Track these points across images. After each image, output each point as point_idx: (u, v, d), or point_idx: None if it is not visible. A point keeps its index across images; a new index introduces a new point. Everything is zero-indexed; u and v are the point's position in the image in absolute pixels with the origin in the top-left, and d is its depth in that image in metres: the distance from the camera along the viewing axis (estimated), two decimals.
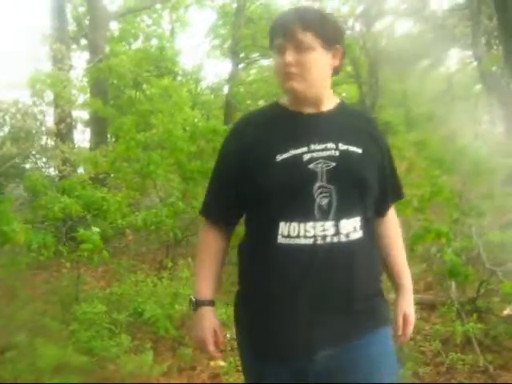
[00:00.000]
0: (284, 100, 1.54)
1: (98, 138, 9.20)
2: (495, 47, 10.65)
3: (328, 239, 1.38)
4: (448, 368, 3.19)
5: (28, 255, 4.27)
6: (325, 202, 1.39)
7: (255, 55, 14.67)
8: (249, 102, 13.67)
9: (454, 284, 3.91)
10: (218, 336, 1.56)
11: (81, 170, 7.04)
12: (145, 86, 12.30)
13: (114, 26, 13.62)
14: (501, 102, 9.47)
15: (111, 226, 4.92)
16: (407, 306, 1.61)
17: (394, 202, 1.66)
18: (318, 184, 1.39)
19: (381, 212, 1.61)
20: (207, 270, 1.58)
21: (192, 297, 1.58)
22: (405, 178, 4.14)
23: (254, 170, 1.43)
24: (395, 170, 1.64)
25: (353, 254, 1.41)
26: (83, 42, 13.06)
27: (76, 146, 8.22)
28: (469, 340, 3.37)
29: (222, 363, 3.32)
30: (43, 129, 6.56)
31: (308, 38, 1.40)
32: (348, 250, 1.40)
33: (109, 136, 10.34)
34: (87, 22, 11.49)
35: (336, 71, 1.52)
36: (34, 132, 6.40)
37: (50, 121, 6.85)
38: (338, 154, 1.42)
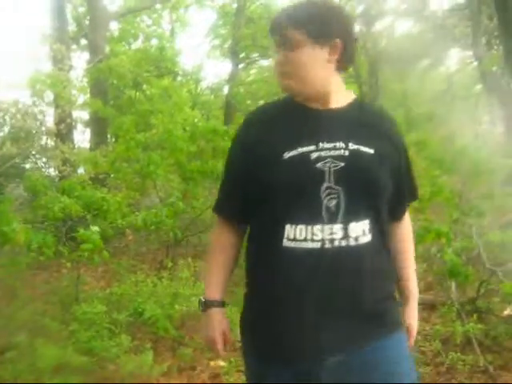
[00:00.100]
0: None
1: (98, 138, 9.20)
2: (495, 47, 10.65)
3: (336, 243, 1.33)
4: (448, 368, 3.19)
5: (28, 255, 4.27)
6: (333, 203, 1.34)
7: (255, 55, 14.68)
8: (249, 102, 13.67)
9: (454, 284, 3.91)
10: (228, 336, 1.55)
11: (81, 171, 7.04)
12: (145, 86, 12.30)
13: (114, 26, 13.64)
14: (501, 102, 9.47)
15: (111, 226, 4.92)
16: (412, 317, 1.58)
17: (409, 202, 1.60)
18: (325, 185, 1.34)
19: (396, 216, 1.55)
20: (218, 268, 1.55)
21: (202, 297, 1.56)
22: None
23: (261, 168, 1.40)
24: (411, 171, 1.57)
25: (361, 257, 1.36)
26: (83, 42, 13.07)
27: (76, 147, 8.21)
28: (469, 340, 3.37)
29: (222, 363, 3.32)
30: (43, 129, 6.55)
31: (296, 35, 1.37)
32: (356, 254, 1.36)
33: (109, 136, 10.34)
34: (87, 22, 11.50)
35: (341, 66, 1.44)
36: (34, 132, 6.40)
37: (50, 121, 6.85)
38: (347, 153, 1.36)
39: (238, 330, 1.55)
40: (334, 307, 1.36)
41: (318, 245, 1.33)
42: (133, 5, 13.76)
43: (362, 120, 1.45)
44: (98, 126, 9.65)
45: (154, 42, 14.72)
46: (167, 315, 3.70)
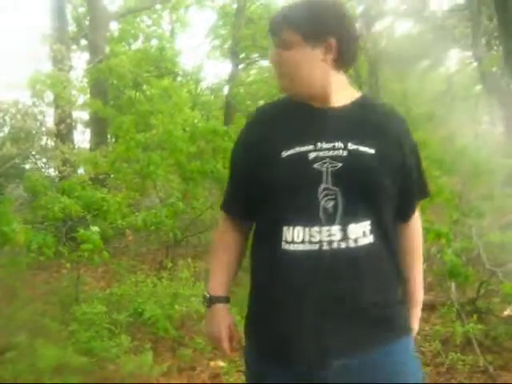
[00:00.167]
0: None
1: (98, 138, 9.20)
2: (495, 48, 10.66)
3: (334, 245, 1.31)
4: (448, 368, 3.19)
5: (28, 255, 4.27)
6: (330, 205, 1.32)
7: (255, 56, 14.68)
8: (249, 102, 13.67)
9: (454, 284, 3.92)
10: (233, 332, 1.54)
11: (81, 171, 7.04)
12: (145, 86, 12.30)
13: (114, 27, 13.63)
14: (501, 103, 9.48)
15: (111, 226, 4.92)
16: (414, 323, 1.56)
17: (420, 199, 1.56)
18: (323, 185, 1.32)
19: (403, 216, 1.51)
20: (222, 265, 1.54)
21: (206, 293, 1.55)
22: None
23: (261, 167, 1.39)
24: (421, 168, 1.53)
25: (361, 259, 1.33)
26: (83, 42, 13.07)
27: (76, 147, 8.21)
28: (469, 340, 3.37)
29: (221, 363, 3.33)
30: (43, 129, 6.55)
31: (289, 35, 1.36)
32: (356, 256, 1.33)
33: (109, 136, 10.34)
34: (87, 23, 11.50)
35: (341, 64, 1.41)
36: (34, 132, 6.40)
37: (50, 121, 6.84)
38: (345, 154, 1.34)
39: (239, 329, 1.55)
40: (334, 310, 1.33)
41: (315, 247, 1.32)
42: (133, 5, 13.76)
43: (365, 119, 1.41)
44: (98, 126, 9.64)
45: (154, 42, 14.73)
46: (167, 315, 3.70)
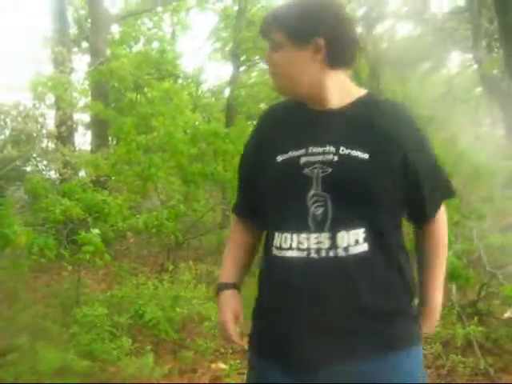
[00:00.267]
0: None
1: (99, 140, 9.21)
2: (496, 50, 10.66)
3: (323, 253, 1.26)
4: (449, 371, 3.19)
5: (29, 258, 4.28)
6: (319, 211, 1.27)
7: (256, 58, 14.66)
8: (250, 105, 13.67)
9: (454, 287, 3.91)
10: (240, 316, 1.48)
11: (82, 173, 7.05)
12: (146, 88, 12.29)
13: (115, 29, 13.64)
14: (501, 105, 9.46)
15: (112, 228, 4.93)
16: (424, 327, 1.48)
17: (443, 199, 1.48)
18: (312, 191, 1.28)
19: (417, 222, 1.47)
20: (232, 258, 1.54)
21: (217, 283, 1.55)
22: None
23: (257, 171, 1.39)
24: (437, 168, 1.44)
25: (353, 268, 1.27)
26: (84, 44, 13.08)
27: (77, 149, 8.23)
28: (469, 343, 3.37)
29: (223, 366, 3.33)
30: (44, 131, 6.55)
31: (278, 36, 1.35)
32: (345, 265, 1.26)
33: (110, 139, 10.35)
34: (88, 25, 11.52)
35: (334, 64, 1.35)
36: (35, 135, 6.40)
37: (50, 123, 6.86)
38: (336, 158, 1.28)
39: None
40: (323, 320, 1.28)
41: (303, 254, 1.28)
42: (134, 7, 13.79)
43: (362, 121, 1.35)
44: (99, 128, 9.65)
45: (155, 44, 14.72)
46: (168, 318, 3.71)
